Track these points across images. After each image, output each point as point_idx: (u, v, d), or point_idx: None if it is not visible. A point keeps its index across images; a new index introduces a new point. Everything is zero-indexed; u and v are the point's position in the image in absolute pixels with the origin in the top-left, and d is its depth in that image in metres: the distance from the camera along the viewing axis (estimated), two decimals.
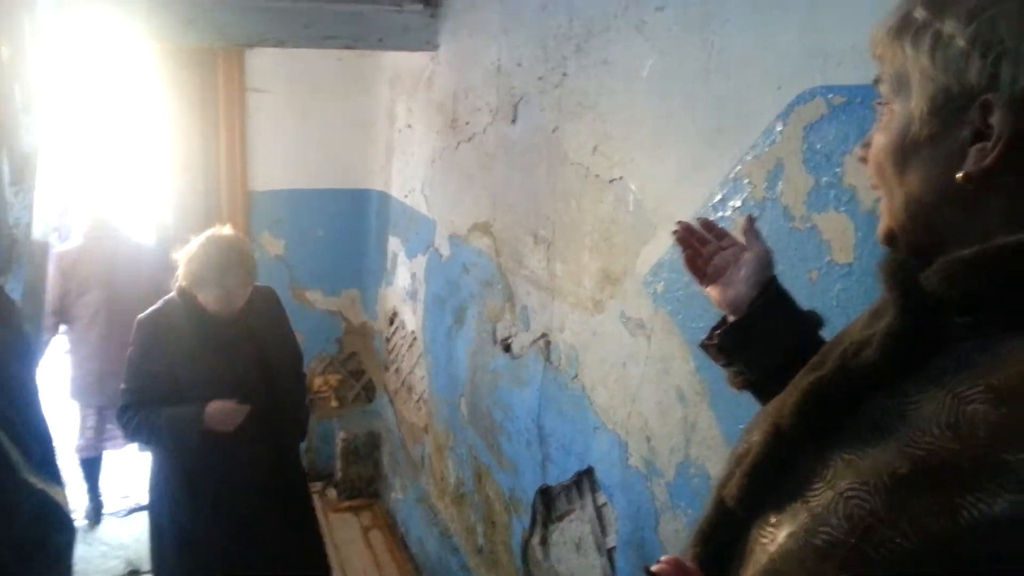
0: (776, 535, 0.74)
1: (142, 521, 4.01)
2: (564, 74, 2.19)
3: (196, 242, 2.46)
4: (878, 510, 0.65)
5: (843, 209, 1.30)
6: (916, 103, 0.71)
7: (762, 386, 1.07)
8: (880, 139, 0.75)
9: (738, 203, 1.54)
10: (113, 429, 3.92)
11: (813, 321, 1.09)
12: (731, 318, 1.09)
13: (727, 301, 1.09)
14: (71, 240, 3.93)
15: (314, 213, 4.16)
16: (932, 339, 0.71)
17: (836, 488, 0.70)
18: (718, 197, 1.60)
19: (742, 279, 1.08)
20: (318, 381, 4.37)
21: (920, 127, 0.70)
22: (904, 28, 0.72)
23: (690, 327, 1.72)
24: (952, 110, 0.68)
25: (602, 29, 1.98)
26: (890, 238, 0.78)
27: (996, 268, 0.67)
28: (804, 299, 1.36)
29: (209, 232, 2.48)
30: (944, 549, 0.61)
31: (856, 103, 1.26)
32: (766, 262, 1.09)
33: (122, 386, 2.51)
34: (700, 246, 1.15)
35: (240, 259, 2.44)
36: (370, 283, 4.32)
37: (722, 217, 1.59)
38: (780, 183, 1.43)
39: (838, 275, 1.32)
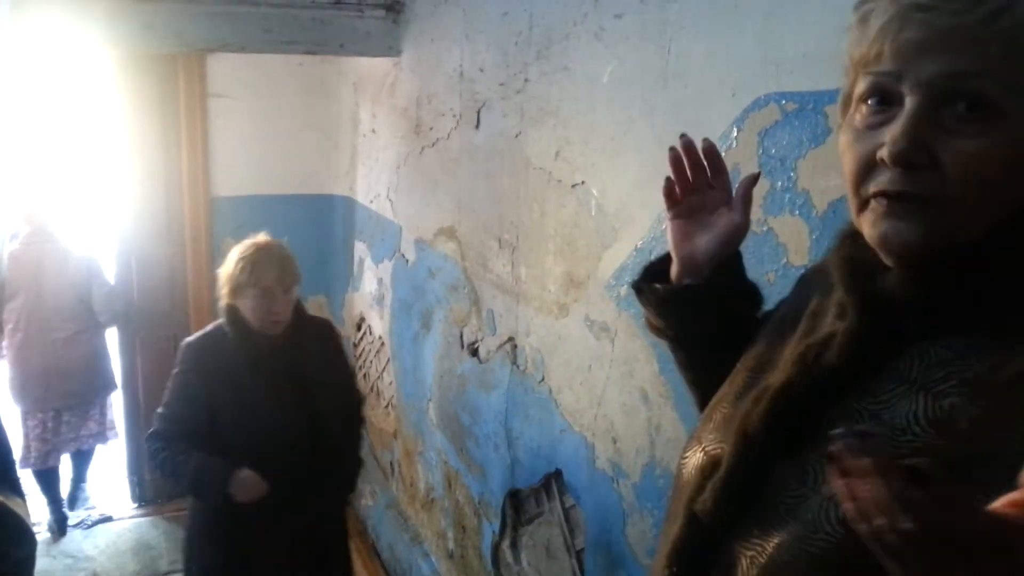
0: (765, 547, 0.72)
1: (107, 533, 3.97)
2: (526, 80, 2.20)
3: (233, 252, 2.39)
4: None
5: (798, 212, 1.33)
6: None
7: (679, 342, 1.04)
8: (979, 147, 0.64)
9: None
10: (57, 439, 3.89)
11: (755, 301, 1.02)
12: (676, 267, 0.99)
13: (682, 251, 0.98)
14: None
15: (278, 219, 4.11)
16: (890, 340, 0.71)
17: (822, 493, 0.69)
18: None
19: (706, 242, 0.96)
20: None
21: None
22: None
23: None
24: None
25: (562, 36, 2.00)
26: (922, 254, 0.68)
27: (949, 268, 0.67)
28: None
29: (245, 241, 2.41)
30: None
31: (808, 109, 1.29)
32: (738, 237, 0.96)
33: (159, 409, 2.41)
34: (690, 171, 0.98)
35: (276, 257, 2.33)
36: (336, 289, 4.31)
37: None
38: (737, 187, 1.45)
39: (794, 277, 1.34)
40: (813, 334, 0.80)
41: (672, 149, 0.97)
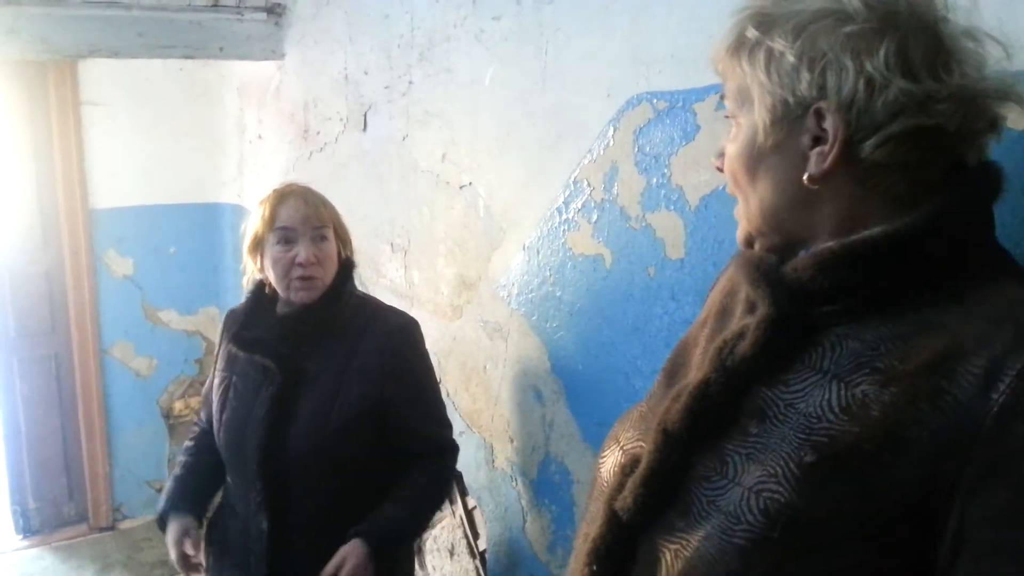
0: (689, 540, 0.73)
1: None
2: (410, 82, 2.19)
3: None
4: (794, 502, 0.66)
5: (672, 208, 1.37)
6: (759, 115, 0.76)
7: None
8: (731, 149, 0.80)
9: (579, 205, 1.59)
10: None
11: None
12: None
13: None
14: None
15: (164, 229, 3.98)
16: (800, 328, 0.75)
17: (743, 484, 0.70)
18: (561, 200, 1.64)
19: None
20: (179, 405, 4.19)
21: (764, 137, 0.76)
22: (740, 47, 0.78)
23: (543, 327, 1.76)
24: (790, 119, 0.74)
25: (443, 38, 2.00)
26: (748, 241, 0.83)
27: (862, 258, 0.71)
28: (644, 293, 1.43)
29: None
30: (875, 530, 0.64)
31: (677, 107, 1.33)
32: None
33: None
34: None
35: (300, 192, 1.78)
36: (228, 299, 4.17)
37: (567, 219, 1.64)
38: (616, 185, 1.49)
39: (672, 270, 1.39)
40: (723, 331, 0.83)
41: None
